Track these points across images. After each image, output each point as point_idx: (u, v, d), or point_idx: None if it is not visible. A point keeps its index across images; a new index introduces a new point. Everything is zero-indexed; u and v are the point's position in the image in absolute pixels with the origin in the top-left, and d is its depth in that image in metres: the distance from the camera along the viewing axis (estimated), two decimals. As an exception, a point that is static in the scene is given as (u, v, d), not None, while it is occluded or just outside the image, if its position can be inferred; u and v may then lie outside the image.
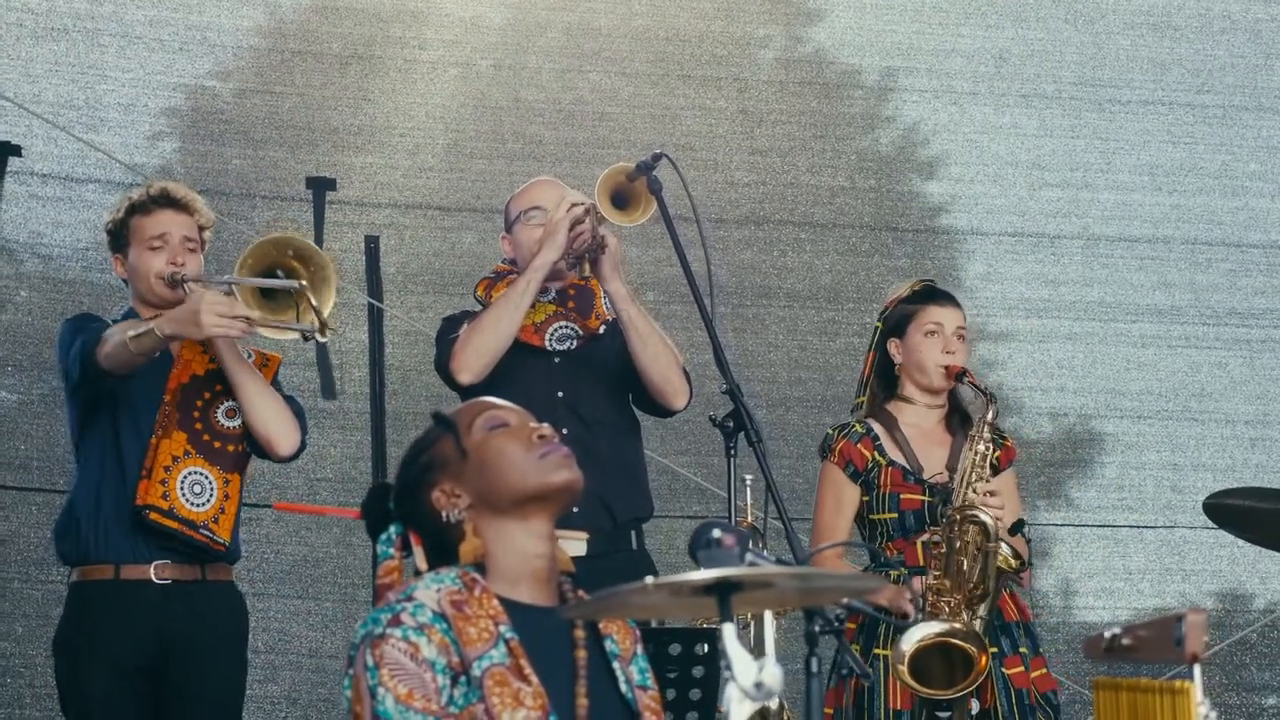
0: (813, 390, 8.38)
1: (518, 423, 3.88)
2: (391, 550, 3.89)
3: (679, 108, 8.46)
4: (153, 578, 5.54)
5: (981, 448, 5.82)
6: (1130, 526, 8.35)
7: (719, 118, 8.49)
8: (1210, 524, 6.70)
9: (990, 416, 5.86)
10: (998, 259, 8.57)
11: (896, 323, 6.06)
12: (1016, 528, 5.80)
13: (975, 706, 5.74)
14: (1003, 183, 8.66)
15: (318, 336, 5.59)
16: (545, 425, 3.88)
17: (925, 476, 5.91)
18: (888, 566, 5.86)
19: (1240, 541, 7.93)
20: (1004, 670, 5.80)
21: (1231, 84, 8.77)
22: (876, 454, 5.94)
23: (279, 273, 5.61)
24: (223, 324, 5.40)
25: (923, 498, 5.89)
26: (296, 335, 5.66)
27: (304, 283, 5.56)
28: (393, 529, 3.90)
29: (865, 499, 5.94)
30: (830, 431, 6.05)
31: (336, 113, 8.14)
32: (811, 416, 8.32)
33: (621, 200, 5.86)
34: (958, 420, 6.04)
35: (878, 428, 5.99)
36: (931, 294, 6.11)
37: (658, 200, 5.73)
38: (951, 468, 5.91)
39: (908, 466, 5.92)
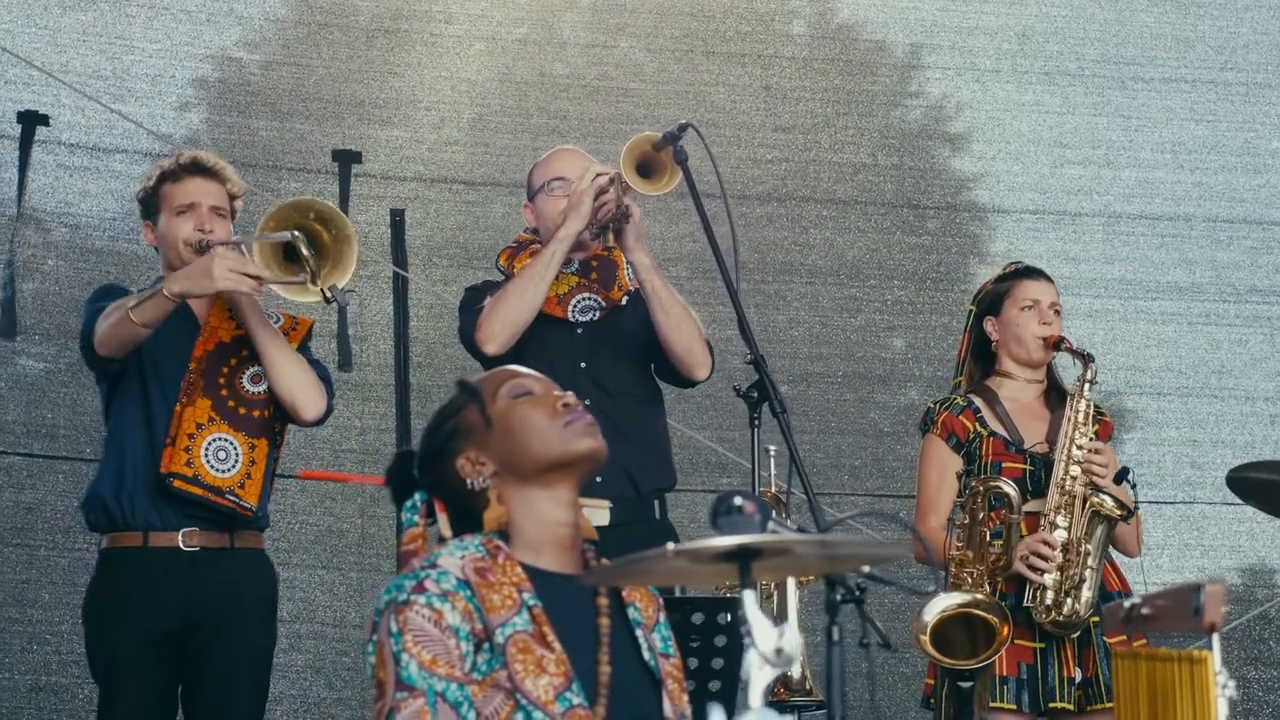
0: (833, 366, 8.39)
1: (542, 391, 3.90)
2: (416, 517, 3.91)
3: (703, 84, 8.45)
4: (180, 545, 5.53)
5: (1083, 405, 5.91)
6: (1150, 502, 8.34)
7: (743, 94, 8.49)
8: (1229, 500, 6.71)
9: (1090, 375, 5.94)
10: (1019, 236, 8.55)
11: (992, 301, 6.14)
12: (1121, 475, 5.87)
13: (1079, 675, 5.82)
14: (1025, 160, 8.65)
15: (308, 284, 5.58)
16: (569, 394, 3.91)
17: (1026, 446, 5.97)
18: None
19: (1260, 517, 7.95)
20: (1105, 639, 5.83)
21: (1255, 61, 8.75)
22: (978, 425, 5.99)
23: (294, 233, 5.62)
24: (233, 278, 5.39)
25: (1024, 466, 5.94)
26: (315, 299, 5.66)
27: (296, 232, 5.56)
28: (417, 496, 3.92)
29: (968, 470, 5.99)
30: (931, 405, 6.12)
31: (363, 86, 8.13)
32: (832, 392, 8.34)
33: (646, 170, 5.85)
34: (1056, 397, 6.09)
35: (978, 401, 6.05)
36: (1025, 271, 6.20)
37: (683, 170, 5.72)
38: (1051, 440, 5.97)
39: (1009, 437, 5.97)
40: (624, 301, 5.96)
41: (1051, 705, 5.79)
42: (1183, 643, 4.80)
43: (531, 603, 3.71)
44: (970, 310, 6.23)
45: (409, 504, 3.93)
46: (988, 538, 5.77)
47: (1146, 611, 3.78)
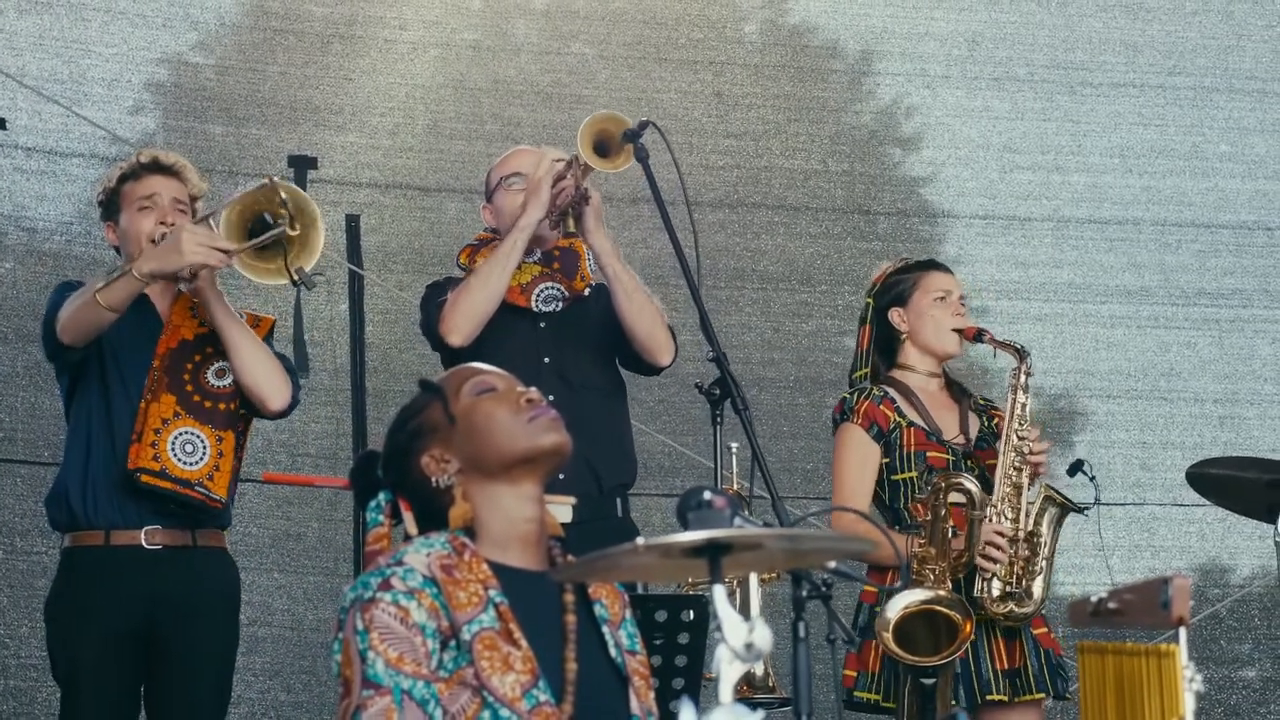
0: (785, 371, 8.42)
1: (505, 387, 3.90)
2: (381, 517, 3.90)
3: (655, 90, 8.47)
4: (143, 543, 5.51)
5: (1022, 398, 5.85)
6: (1101, 504, 8.38)
7: (695, 101, 8.52)
8: (1180, 501, 6.75)
9: (1027, 368, 5.88)
10: (969, 241, 8.60)
11: (898, 293, 6.05)
12: (1075, 468, 5.86)
13: (1005, 666, 5.80)
14: (974, 165, 8.70)
15: (297, 284, 5.56)
16: (533, 389, 3.90)
17: (946, 438, 5.93)
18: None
19: (1210, 517, 8.01)
20: (1032, 631, 5.84)
21: (1202, 65, 8.82)
22: (897, 415, 5.92)
23: (266, 216, 5.57)
24: (202, 251, 5.36)
25: (947, 458, 5.88)
26: (283, 280, 5.57)
27: (284, 225, 5.49)
28: (382, 496, 3.92)
29: (885, 460, 5.93)
30: (847, 395, 6.01)
31: (318, 91, 8.15)
32: (784, 397, 8.36)
33: (604, 149, 5.80)
34: (957, 390, 6.09)
35: (893, 392, 5.97)
36: (930, 263, 6.16)
37: (644, 168, 5.70)
38: (965, 432, 5.95)
39: (928, 428, 5.92)
40: (587, 292, 5.96)
41: (988, 698, 5.76)
42: (1137, 638, 4.82)
43: (498, 600, 3.71)
44: (867, 303, 6.12)
45: (373, 504, 3.92)
46: (949, 534, 5.77)
47: (1113, 606, 3.77)
